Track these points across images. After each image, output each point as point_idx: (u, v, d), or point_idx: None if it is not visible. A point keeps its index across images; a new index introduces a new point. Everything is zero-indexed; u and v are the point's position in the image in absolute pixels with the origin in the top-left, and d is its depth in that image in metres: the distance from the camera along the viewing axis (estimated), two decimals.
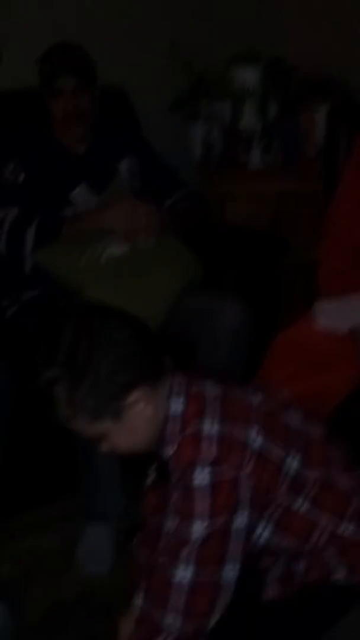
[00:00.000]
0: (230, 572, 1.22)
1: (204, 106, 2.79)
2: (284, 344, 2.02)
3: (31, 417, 2.03)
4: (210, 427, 1.22)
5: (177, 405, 1.25)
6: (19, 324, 2.18)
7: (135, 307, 2.10)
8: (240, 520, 1.21)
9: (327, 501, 1.27)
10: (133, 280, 2.11)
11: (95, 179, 2.27)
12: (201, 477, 1.19)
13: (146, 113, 2.57)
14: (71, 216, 2.20)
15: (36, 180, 2.21)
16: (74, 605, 1.81)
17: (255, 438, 1.23)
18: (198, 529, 1.19)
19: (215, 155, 2.84)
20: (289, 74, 2.85)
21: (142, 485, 1.38)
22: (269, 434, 1.24)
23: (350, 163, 2.08)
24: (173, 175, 2.43)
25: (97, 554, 1.94)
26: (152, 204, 2.23)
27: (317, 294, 2.03)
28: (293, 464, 1.25)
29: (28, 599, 1.83)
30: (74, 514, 2.04)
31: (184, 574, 1.21)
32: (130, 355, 1.22)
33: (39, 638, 1.73)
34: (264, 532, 1.26)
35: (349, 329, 1.93)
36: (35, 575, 1.91)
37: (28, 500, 2.07)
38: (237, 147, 2.82)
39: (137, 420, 1.24)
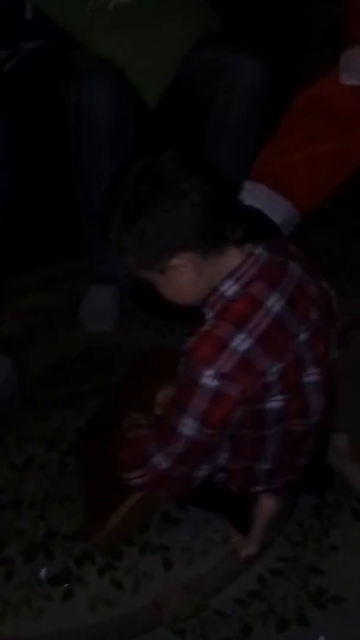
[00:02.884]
0: (201, 472, 1.28)
1: None
2: (304, 102, 1.90)
3: (35, 176, 1.98)
4: (240, 342, 1.16)
5: (228, 289, 1.20)
6: (19, 78, 2.05)
7: (146, 59, 1.99)
8: (225, 435, 1.24)
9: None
10: (143, 30, 1.94)
11: None
12: (210, 380, 1.17)
13: None
14: None
15: None
16: (76, 361, 1.85)
17: (273, 373, 1.19)
18: (188, 427, 1.20)
19: None
20: None
21: None
22: (284, 372, 1.20)
23: None
24: None
25: (99, 313, 1.95)
26: None
27: (344, 46, 1.87)
28: (274, 406, 1.23)
29: (32, 354, 1.87)
30: (77, 274, 2.03)
31: (162, 461, 1.25)
32: (187, 222, 1.15)
33: (42, 390, 1.77)
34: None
35: None
36: (38, 332, 1.94)
37: (31, 259, 2.05)
38: None
39: (180, 280, 1.21)
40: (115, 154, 1.86)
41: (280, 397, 1.22)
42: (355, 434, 1.51)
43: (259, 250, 1.22)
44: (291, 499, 1.47)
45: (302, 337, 1.21)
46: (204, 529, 1.46)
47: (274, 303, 1.19)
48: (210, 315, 1.21)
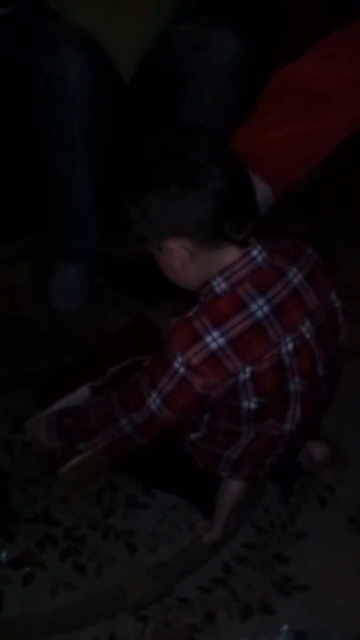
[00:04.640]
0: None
1: None
2: (282, 81, 1.86)
3: (3, 150, 1.93)
4: (212, 340, 1.16)
5: (219, 285, 1.19)
6: None
7: (122, 31, 1.94)
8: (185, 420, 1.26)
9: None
10: (120, 3, 1.89)
11: None
12: (180, 366, 1.17)
13: None
14: None
15: None
16: (42, 339, 1.81)
17: (244, 375, 1.18)
18: (153, 401, 1.21)
19: None
20: None
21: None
22: (260, 377, 1.19)
23: None
24: None
25: (68, 291, 1.91)
26: None
27: None
28: (250, 406, 1.23)
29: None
30: (45, 250, 1.98)
31: (125, 426, 1.26)
32: (190, 212, 1.15)
33: (7, 368, 1.74)
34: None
35: None
36: (4, 310, 1.89)
37: None
38: None
39: (173, 262, 1.21)
40: (87, 126, 1.82)
41: (256, 399, 1.21)
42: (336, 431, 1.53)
43: (255, 252, 1.20)
44: (258, 485, 1.46)
45: (288, 346, 1.20)
46: (170, 515, 1.44)
47: (258, 308, 1.18)
48: (201, 300, 1.21)
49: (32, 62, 1.85)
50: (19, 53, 1.93)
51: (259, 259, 1.20)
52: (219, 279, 1.19)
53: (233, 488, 1.37)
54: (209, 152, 1.16)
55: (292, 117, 1.83)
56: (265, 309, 1.18)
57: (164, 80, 1.97)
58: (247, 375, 1.18)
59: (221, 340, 1.16)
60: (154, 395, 1.21)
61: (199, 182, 1.13)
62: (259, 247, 1.20)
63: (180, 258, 1.20)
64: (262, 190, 1.85)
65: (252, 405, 1.22)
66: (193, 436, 1.32)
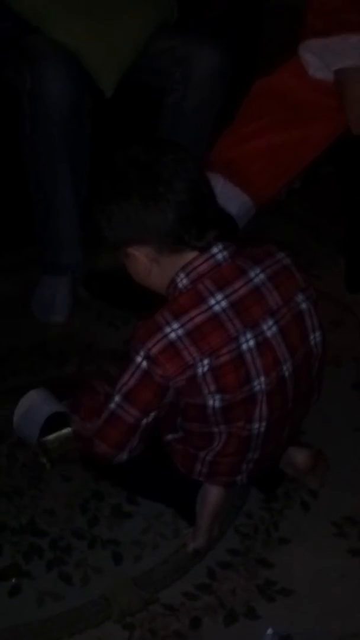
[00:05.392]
0: (126, 455, 1.31)
1: None
2: (262, 92, 1.89)
3: None
4: (171, 330, 1.20)
5: (181, 280, 1.24)
6: None
7: (102, 46, 1.96)
8: (150, 418, 1.27)
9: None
10: (100, 17, 1.92)
11: None
12: (141, 359, 1.21)
13: None
14: None
15: None
16: (28, 352, 1.82)
17: (203, 368, 1.21)
18: (114, 401, 1.25)
19: None
20: None
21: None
22: (220, 372, 1.21)
23: None
24: None
25: (52, 305, 1.93)
26: None
27: (302, 37, 1.86)
28: (215, 404, 1.25)
29: None
30: (31, 263, 2.00)
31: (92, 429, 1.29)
32: (150, 223, 1.20)
33: None
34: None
35: (334, 72, 1.78)
36: None
37: None
38: None
39: (137, 267, 1.26)
40: (70, 141, 1.83)
41: (219, 396, 1.24)
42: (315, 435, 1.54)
43: (215, 250, 1.24)
44: (240, 491, 1.47)
45: (249, 343, 1.23)
46: (155, 523, 1.45)
47: (216, 302, 1.22)
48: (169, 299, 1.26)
49: (14, 78, 1.87)
50: (1, 69, 1.95)
51: (219, 256, 1.24)
52: (182, 275, 1.24)
53: (212, 495, 1.38)
54: (173, 165, 1.20)
55: (271, 128, 1.85)
56: (223, 303, 1.22)
57: (145, 94, 2.00)
58: (206, 368, 1.21)
59: (180, 331, 1.20)
60: (116, 396, 1.25)
61: (160, 194, 1.18)
62: (220, 246, 1.24)
63: (143, 264, 1.25)
64: (243, 201, 1.87)
65: (217, 404, 1.24)
66: (170, 437, 1.34)
